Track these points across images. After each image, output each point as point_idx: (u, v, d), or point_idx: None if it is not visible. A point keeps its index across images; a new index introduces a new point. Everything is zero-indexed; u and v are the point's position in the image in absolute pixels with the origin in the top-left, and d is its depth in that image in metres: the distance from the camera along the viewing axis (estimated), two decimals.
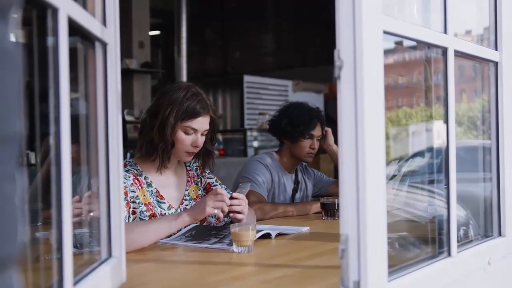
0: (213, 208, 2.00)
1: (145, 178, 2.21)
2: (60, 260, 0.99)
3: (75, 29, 1.10)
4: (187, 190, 2.33)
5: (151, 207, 2.16)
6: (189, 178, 2.36)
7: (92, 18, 1.22)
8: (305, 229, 2.33)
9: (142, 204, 2.14)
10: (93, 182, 1.38)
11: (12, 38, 0.53)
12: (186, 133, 2.19)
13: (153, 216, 2.14)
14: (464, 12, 1.89)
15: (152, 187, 2.21)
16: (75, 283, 1.06)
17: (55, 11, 0.98)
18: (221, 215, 2.03)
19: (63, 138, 0.99)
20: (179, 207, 2.27)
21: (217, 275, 1.60)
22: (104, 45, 1.33)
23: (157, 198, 2.20)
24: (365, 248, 1.14)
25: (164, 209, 2.20)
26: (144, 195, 2.16)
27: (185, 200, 2.31)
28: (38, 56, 1.01)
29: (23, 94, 0.55)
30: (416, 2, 1.81)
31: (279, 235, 2.15)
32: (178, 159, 2.28)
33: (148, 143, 2.19)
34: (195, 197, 2.34)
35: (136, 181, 2.16)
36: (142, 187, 2.17)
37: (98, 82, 1.33)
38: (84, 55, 1.31)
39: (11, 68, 0.52)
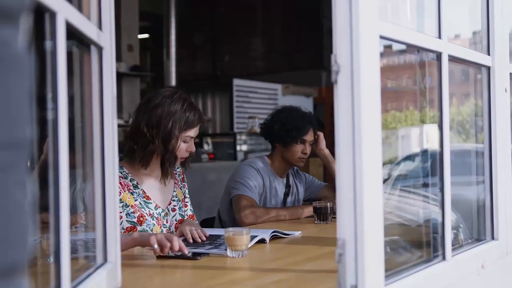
0: (155, 241, 1.82)
1: (130, 180, 2.27)
2: (58, 265, 0.98)
3: (71, 32, 1.09)
4: (175, 191, 2.41)
5: (137, 208, 2.22)
6: (176, 181, 2.44)
7: (88, 22, 1.22)
8: (297, 233, 2.33)
9: (128, 206, 2.20)
10: (87, 186, 1.38)
11: (22, 44, 0.53)
12: (185, 142, 2.28)
13: (141, 216, 2.20)
14: (454, 17, 1.91)
15: (138, 188, 2.27)
16: None
17: (53, 15, 0.98)
18: (157, 251, 1.83)
19: (61, 142, 0.98)
20: (166, 207, 2.34)
21: (212, 280, 1.59)
22: (99, 49, 1.32)
23: (144, 198, 2.26)
24: (362, 252, 1.15)
25: (152, 209, 2.27)
26: (129, 198, 2.22)
27: (173, 200, 2.39)
28: (34, 60, 1.00)
29: (32, 100, 0.55)
30: (409, 7, 1.82)
31: (274, 238, 2.16)
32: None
33: (149, 154, 2.24)
34: (182, 199, 2.44)
35: (119, 184, 2.18)
36: (125, 190, 2.22)
37: (93, 86, 1.32)
38: (79, 59, 1.31)
39: (22, 74, 0.51)
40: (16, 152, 0.51)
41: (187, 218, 2.42)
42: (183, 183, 2.49)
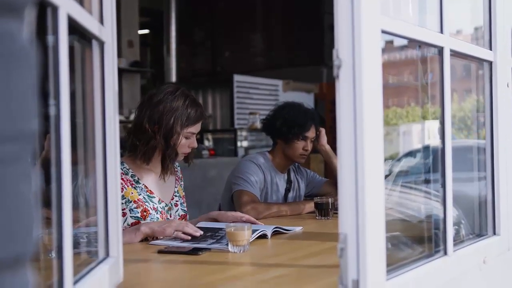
0: (171, 231, 2.03)
1: (131, 176, 2.28)
2: (60, 260, 0.98)
3: (72, 27, 1.09)
4: (176, 187, 2.44)
5: (141, 203, 2.23)
6: (176, 178, 2.47)
7: (90, 16, 1.21)
8: (298, 229, 2.33)
9: (131, 202, 2.21)
10: (89, 182, 1.38)
11: (27, 36, 0.53)
12: (187, 138, 2.29)
13: (144, 211, 2.22)
14: (456, 11, 1.90)
15: (140, 183, 2.28)
16: (75, 282, 1.05)
17: (55, 9, 0.97)
18: (183, 236, 2.02)
19: (63, 137, 0.98)
20: (170, 202, 2.36)
21: (214, 275, 1.60)
22: (101, 43, 1.32)
23: (147, 193, 2.28)
24: (364, 247, 1.14)
25: (155, 203, 2.28)
26: (132, 193, 2.23)
27: (175, 196, 2.41)
28: (37, 54, 0.99)
29: (38, 92, 0.55)
30: (411, 2, 1.82)
31: (275, 233, 2.16)
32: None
33: (151, 150, 2.26)
34: (182, 195, 2.46)
35: (121, 180, 2.18)
36: (128, 186, 2.24)
37: (95, 81, 1.32)
38: (81, 54, 1.30)
39: (27, 66, 0.51)
40: (21, 145, 0.51)
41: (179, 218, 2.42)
42: (181, 182, 2.51)
